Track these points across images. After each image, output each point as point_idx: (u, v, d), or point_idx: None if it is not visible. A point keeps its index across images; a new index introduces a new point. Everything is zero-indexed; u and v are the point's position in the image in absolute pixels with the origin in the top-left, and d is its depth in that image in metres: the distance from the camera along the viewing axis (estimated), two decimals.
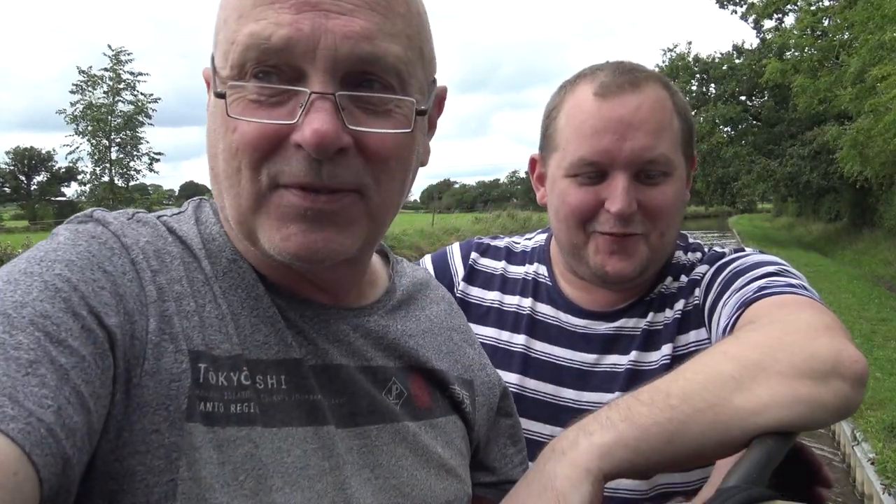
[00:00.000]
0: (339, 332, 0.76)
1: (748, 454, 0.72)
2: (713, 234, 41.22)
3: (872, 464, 5.64)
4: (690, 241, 1.33)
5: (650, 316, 1.23)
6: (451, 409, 0.86)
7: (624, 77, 1.15)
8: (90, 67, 31.45)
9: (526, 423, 1.20)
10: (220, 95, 0.66)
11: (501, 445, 0.95)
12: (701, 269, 1.23)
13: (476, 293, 1.34)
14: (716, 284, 1.15)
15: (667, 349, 1.19)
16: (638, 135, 1.13)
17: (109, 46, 32.23)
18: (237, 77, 0.66)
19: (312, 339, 0.74)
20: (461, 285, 1.34)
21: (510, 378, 1.24)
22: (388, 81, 0.68)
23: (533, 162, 1.32)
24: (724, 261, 1.19)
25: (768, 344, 0.83)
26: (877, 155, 16.13)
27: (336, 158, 0.66)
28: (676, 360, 1.17)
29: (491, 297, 1.33)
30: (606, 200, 1.15)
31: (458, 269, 1.36)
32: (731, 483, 0.65)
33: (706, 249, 1.29)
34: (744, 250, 1.22)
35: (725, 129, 30.80)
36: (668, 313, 1.22)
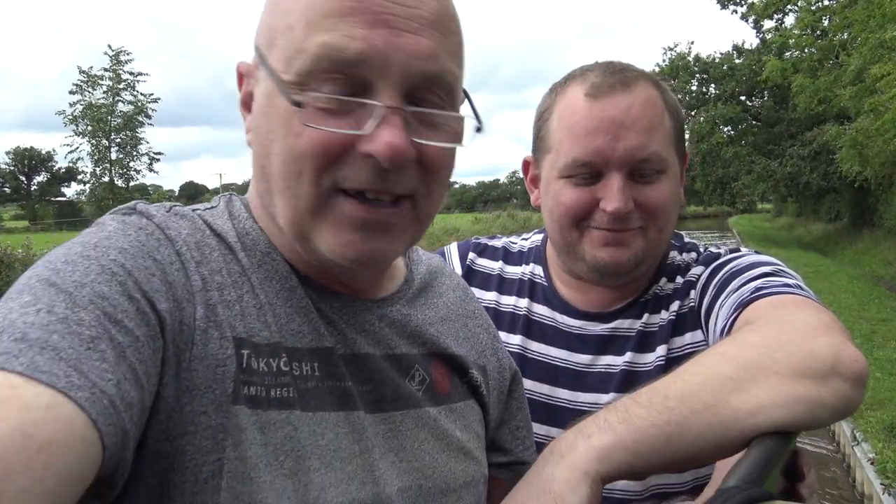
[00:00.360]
0: (365, 322, 0.80)
1: (748, 454, 0.72)
2: (713, 235, 41.23)
3: (872, 464, 5.64)
4: (686, 240, 1.32)
5: (645, 317, 1.23)
6: (469, 394, 0.90)
7: (614, 77, 1.15)
8: (91, 68, 31.49)
9: None
10: (298, 104, 0.67)
11: (513, 427, 0.97)
12: (696, 270, 1.23)
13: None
14: (712, 286, 1.15)
15: (661, 350, 1.19)
16: (630, 134, 1.13)
17: (110, 46, 32.26)
18: (302, 84, 0.68)
19: (342, 329, 0.78)
20: None
21: None
22: (443, 97, 0.73)
23: (526, 164, 1.32)
24: (719, 262, 1.19)
25: (766, 344, 0.83)
26: (876, 155, 16.14)
27: (398, 167, 0.70)
28: (671, 361, 1.17)
29: (488, 297, 1.33)
30: (602, 200, 1.15)
31: (456, 270, 1.36)
32: (731, 483, 0.65)
33: (701, 249, 1.29)
34: (739, 251, 1.22)
35: (725, 129, 30.79)
36: (664, 315, 1.22)
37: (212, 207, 0.80)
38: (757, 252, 1.21)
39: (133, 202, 0.75)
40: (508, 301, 1.32)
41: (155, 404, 0.61)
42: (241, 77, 0.77)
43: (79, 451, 0.49)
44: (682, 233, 1.36)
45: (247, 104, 0.76)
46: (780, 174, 28.18)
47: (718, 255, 1.23)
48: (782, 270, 1.10)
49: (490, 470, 0.92)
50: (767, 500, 0.63)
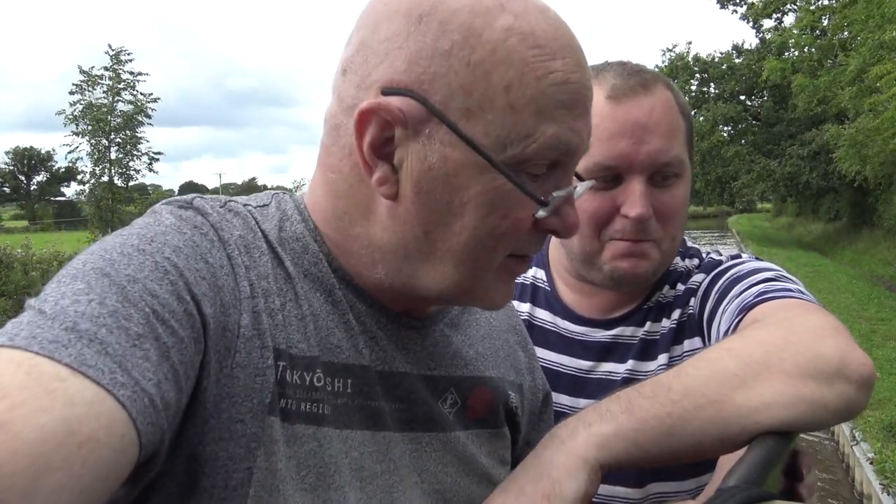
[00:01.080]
0: (408, 339, 0.79)
1: (748, 454, 0.72)
2: (713, 234, 41.24)
3: (871, 463, 5.64)
4: (689, 244, 1.32)
5: (647, 325, 1.22)
6: (504, 419, 0.88)
7: (634, 79, 1.14)
8: (91, 68, 31.45)
9: None
10: (544, 203, 0.69)
11: None
12: (697, 277, 1.23)
13: None
14: (713, 293, 1.15)
15: (663, 359, 1.19)
16: (653, 138, 1.12)
17: (110, 46, 32.26)
18: (512, 165, 0.67)
19: (383, 345, 0.76)
20: None
21: None
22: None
23: None
24: (720, 269, 1.19)
25: (774, 343, 0.82)
26: (876, 155, 16.14)
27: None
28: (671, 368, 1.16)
29: None
30: (623, 205, 1.13)
31: None
32: (732, 483, 0.65)
33: (703, 255, 1.29)
34: (740, 257, 1.22)
35: (725, 129, 30.79)
36: (665, 323, 1.22)
37: (263, 206, 0.77)
38: (757, 258, 1.21)
39: (190, 196, 0.73)
40: None
41: (193, 408, 0.61)
42: (370, 118, 0.67)
43: (117, 450, 0.49)
44: (684, 237, 1.35)
45: (378, 150, 0.68)
46: (780, 174, 28.16)
47: (720, 262, 1.22)
48: (784, 276, 1.10)
49: None
50: (768, 500, 0.63)
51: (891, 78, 13.37)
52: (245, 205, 0.75)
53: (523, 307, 1.29)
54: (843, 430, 6.53)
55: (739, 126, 31.25)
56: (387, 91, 0.66)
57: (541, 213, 0.69)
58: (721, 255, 1.27)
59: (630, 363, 1.20)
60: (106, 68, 31.70)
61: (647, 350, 1.20)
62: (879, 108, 14.55)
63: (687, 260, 1.28)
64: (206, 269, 0.65)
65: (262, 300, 0.68)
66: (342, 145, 0.71)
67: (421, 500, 0.76)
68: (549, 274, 1.31)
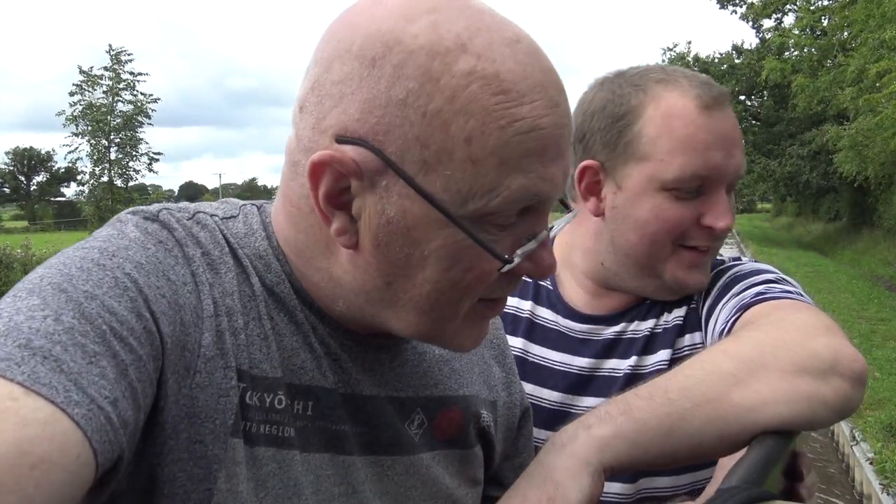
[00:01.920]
0: (376, 360, 0.77)
1: (748, 454, 0.72)
2: None
3: (871, 463, 5.64)
4: None
5: (651, 321, 1.22)
6: (475, 438, 0.86)
7: (716, 90, 1.13)
8: (91, 68, 31.47)
9: None
10: (508, 261, 0.65)
11: (517, 465, 0.94)
12: None
13: None
14: (714, 289, 1.16)
15: (665, 355, 1.19)
16: (737, 151, 1.13)
17: (110, 46, 32.26)
18: (475, 220, 0.63)
19: (348, 368, 0.74)
20: None
21: None
22: None
23: (587, 170, 1.19)
24: (722, 267, 1.20)
25: (768, 342, 0.83)
26: (876, 155, 16.15)
27: None
28: (674, 363, 1.17)
29: None
30: (705, 215, 1.12)
31: None
32: (732, 483, 0.65)
33: None
34: (741, 259, 1.23)
35: None
36: (668, 318, 1.22)
37: (231, 217, 0.74)
38: (756, 261, 1.22)
39: (157, 207, 0.71)
40: (510, 302, 1.29)
41: (151, 428, 0.60)
42: (324, 170, 0.63)
43: (71, 470, 0.48)
44: None
45: (334, 200, 0.65)
46: (780, 174, 28.19)
47: (722, 262, 1.23)
48: (784, 279, 1.11)
49: None
50: (768, 499, 0.63)
51: (892, 77, 13.36)
52: (212, 215, 0.73)
53: (525, 305, 1.28)
54: (843, 429, 6.53)
55: (740, 126, 31.24)
56: (341, 140, 0.62)
57: (507, 267, 0.66)
58: (722, 255, 1.28)
59: (633, 359, 1.20)
60: (106, 68, 31.72)
61: (650, 344, 1.20)
62: (879, 107, 14.54)
63: None
64: (168, 286, 0.63)
65: (225, 319, 0.66)
66: (301, 184, 0.67)
67: None
68: None
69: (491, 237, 0.64)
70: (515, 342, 1.25)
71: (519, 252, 0.65)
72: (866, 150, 16.62)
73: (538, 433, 1.19)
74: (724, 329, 1.05)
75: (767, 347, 0.82)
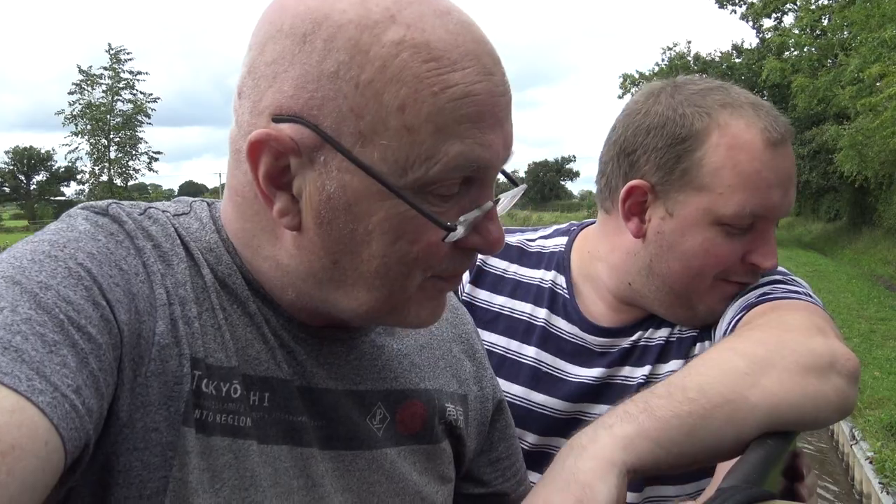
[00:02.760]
0: (331, 353, 0.76)
1: (748, 454, 0.72)
2: None
3: (871, 462, 5.65)
4: None
5: (665, 330, 1.20)
6: (442, 433, 0.84)
7: (782, 123, 1.10)
8: (90, 67, 31.46)
9: (532, 438, 1.18)
10: (451, 228, 0.64)
11: (493, 459, 0.93)
12: None
13: (483, 297, 1.27)
14: None
15: (679, 364, 1.16)
16: (793, 189, 1.10)
17: (109, 45, 32.22)
18: (417, 189, 0.63)
19: (302, 361, 0.73)
20: (467, 287, 1.28)
21: (516, 390, 1.20)
22: None
23: (635, 189, 1.12)
24: None
25: (772, 341, 0.84)
26: (876, 154, 16.15)
27: None
28: None
29: (500, 301, 1.26)
30: (752, 253, 1.09)
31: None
32: (731, 483, 0.65)
33: None
34: None
35: None
36: (683, 327, 1.20)
37: (184, 214, 0.75)
38: None
39: (106, 202, 0.72)
40: (524, 308, 1.25)
41: (108, 419, 0.60)
42: (262, 148, 0.63)
43: (42, 457, 0.48)
44: None
45: (275, 180, 0.65)
46: None
47: None
48: (792, 279, 1.11)
49: (465, 501, 0.89)
50: (767, 499, 0.63)
51: (891, 79, 13.36)
52: (164, 211, 0.73)
53: (540, 313, 1.24)
54: (843, 429, 6.53)
55: None
56: (277, 118, 0.63)
57: (452, 236, 0.65)
58: None
59: (647, 368, 1.18)
60: (105, 67, 31.69)
61: (664, 354, 1.19)
62: (879, 107, 14.54)
63: None
64: (120, 275, 0.63)
65: (178, 307, 0.66)
66: (244, 171, 0.67)
67: None
68: (569, 280, 1.25)
69: (435, 208, 0.64)
70: (528, 350, 1.23)
71: (461, 219, 0.65)
72: (866, 149, 16.61)
73: (549, 440, 1.18)
74: (727, 328, 1.05)
75: (774, 346, 0.83)
